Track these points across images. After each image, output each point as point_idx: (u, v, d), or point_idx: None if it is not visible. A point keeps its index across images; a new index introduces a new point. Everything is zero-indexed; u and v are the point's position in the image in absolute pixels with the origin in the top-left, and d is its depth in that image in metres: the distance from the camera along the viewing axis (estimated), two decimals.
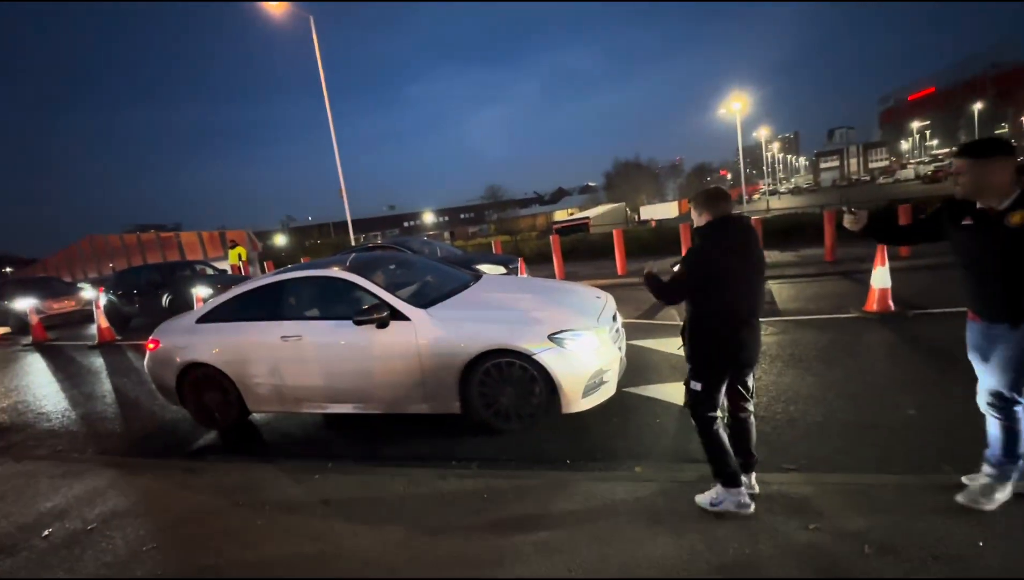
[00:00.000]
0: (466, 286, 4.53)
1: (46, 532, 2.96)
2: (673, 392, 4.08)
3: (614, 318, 4.19)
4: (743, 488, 2.48)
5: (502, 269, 8.24)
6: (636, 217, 46.81)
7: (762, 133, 61.90)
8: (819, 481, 2.67)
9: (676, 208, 52.58)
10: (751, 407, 2.62)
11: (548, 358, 3.53)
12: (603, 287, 10.08)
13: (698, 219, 2.51)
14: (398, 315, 3.86)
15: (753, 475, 2.60)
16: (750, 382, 2.60)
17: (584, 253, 14.67)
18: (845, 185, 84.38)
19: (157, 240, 20.33)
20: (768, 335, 5.53)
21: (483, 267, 8.17)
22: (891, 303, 5.87)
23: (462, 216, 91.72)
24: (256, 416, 4.66)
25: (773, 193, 74.19)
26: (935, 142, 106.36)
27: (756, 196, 68.96)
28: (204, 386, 4.45)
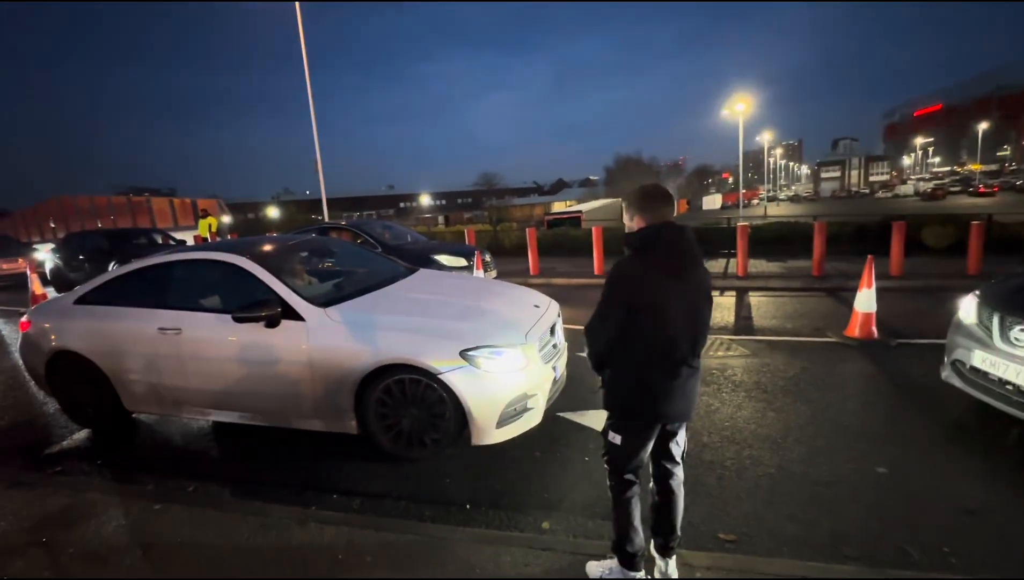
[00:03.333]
0: (389, 283, 3.92)
1: None
2: None
3: (552, 331, 3.60)
4: (642, 575, 1.97)
5: (463, 261, 7.62)
6: None
7: (766, 138, 61.13)
8: (755, 570, 2.11)
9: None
10: (681, 473, 2.05)
11: (457, 379, 2.94)
12: (577, 287, 9.58)
13: (629, 223, 1.92)
14: (291, 313, 3.25)
15: (672, 560, 2.04)
16: (681, 440, 2.03)
17: (566, 249, 14.05)
18: (844, 197, 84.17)
19: (128, 204, 19.45)
20: (737, 356, 4.98)
21: (442, 258, 7.57)
22: (875, 329, 5.33)
23: (459, 201, 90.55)
24: (143, 416, 4.05)
25: (772, 199, 73.67)
26: (937, 159, 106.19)
27: (755, 201, 68.43)
28: (76, 378, 3.84)
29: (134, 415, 3.93)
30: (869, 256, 5.45)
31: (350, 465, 3.22)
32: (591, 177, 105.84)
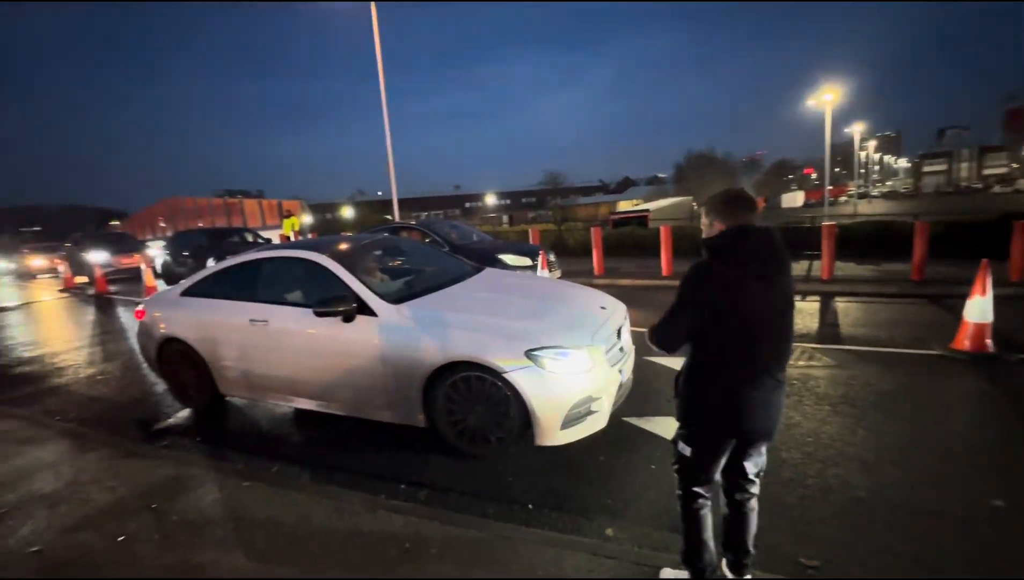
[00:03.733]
0: (456, 281, 4.01)
1: None
2: None
3: (618, 334, 3.52)
4: None
5: (528, 261, 7.65)
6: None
7: (856, 129, 56.00)
8: None
9: None
10: (755, 490, 1.93)
11: (522, 378, 2.95)
12: (643, 288, 9.30)
13: (708, 229, 1.82)
14: (365, 309, 3.42)
15: (747, 578, 1.92)
16: (760, 458, 1.90)
17: (632, 249, 13.70)
18: (951, 192, 75.31)
19: (224, 206, 21.49)
20: (821, 367, 4.60)
21: (507, 258, 7.64)
22: (989, 342, 4.71)
23: (524, 200, 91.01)
24: (235, 399, 4.44)
25: (863, 196, 67.43)
26: None
27: (843, 198, 62.96)
28: (180, 362, 4.27)
29: (227, 398, 4.32)
30: (983, 259, 4.82)
31: (418, 457, 3.32)
32: (659, 175, 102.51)
